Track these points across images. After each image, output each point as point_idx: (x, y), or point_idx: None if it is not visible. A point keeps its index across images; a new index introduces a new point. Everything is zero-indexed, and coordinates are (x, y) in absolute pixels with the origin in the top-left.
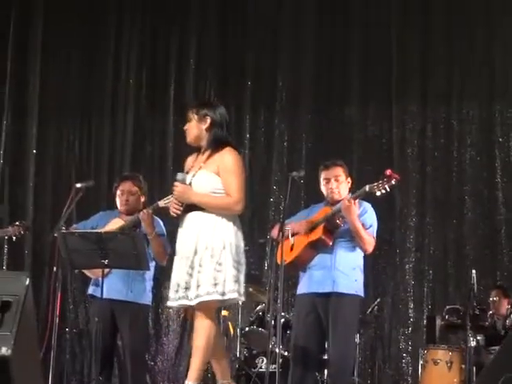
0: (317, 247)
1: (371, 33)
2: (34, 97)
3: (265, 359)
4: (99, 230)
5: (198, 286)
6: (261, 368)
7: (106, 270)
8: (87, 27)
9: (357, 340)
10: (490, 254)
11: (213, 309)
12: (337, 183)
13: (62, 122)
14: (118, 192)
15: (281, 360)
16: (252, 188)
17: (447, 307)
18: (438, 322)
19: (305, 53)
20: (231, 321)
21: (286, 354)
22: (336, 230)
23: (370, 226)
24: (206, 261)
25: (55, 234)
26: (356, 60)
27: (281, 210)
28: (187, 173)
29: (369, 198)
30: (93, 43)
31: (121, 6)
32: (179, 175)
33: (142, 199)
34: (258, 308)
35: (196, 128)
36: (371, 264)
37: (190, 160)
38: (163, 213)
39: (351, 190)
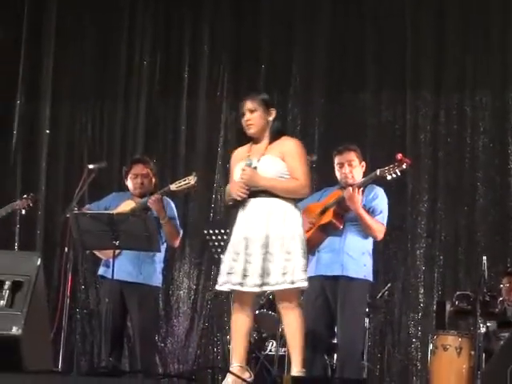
0: (327, 230)
1: (386, 19)
2: (48, 79)
3: (274, 342)
4: (111, 212)
5: (268, 275)
6: (270, 351)
7: (117, 252)
8: (101, 10)
9: (366, 325)
10: (501, 240)
11: (291, 297)
12: (350, 168)
13: (75, 104)
14: (131, 175)
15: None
16: None
17: (457, 293)
18: (448, 307)
19: (319, 38)
20: None
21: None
22: (346, 214)
23: (381, 212)
24: (277, 250)
25: (67, 215)
26: (371, 46)
27: None
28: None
29: (380, 182)
30: (107, 27)
31: None
32: (246, 162)
33: (154, 181)
34: (268, 291)
35: (262, 119)
36: (382, 249)
37: (241, 151)
38: (174, 196)
39: (365, 175)
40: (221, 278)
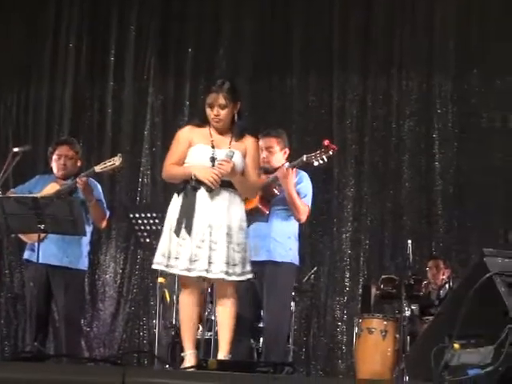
0: (253, 216)
1: (312, 1)
2: None
3: (201, 327)
4: (35, 195)
5: (235, 265)
6: (197, 335)
7: (42, 235)
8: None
9: (292, 308)
10: (426, 224)
11: (236, 286)
12: (267, 153)
13: (0, 87)
14: (55, 156)
15: (216, 327)
16: None
17: (383, 277)
18: (374, 291)
19: (246, 21)
20: (167, 288)
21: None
22: (272, 199)
23: (305, 196)
24: (242, 242)
25: None
26: (297, 30)
27: None
28: (212, 147)
29: (306, 167)
30: (33, 7)
31: None
32: (227, 153)
33: (79, 164)
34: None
35: (231, 114)
36: (308, 233)
37: (198, 132)
38: (99, 177)
39: (289, 160)
40: (182, 263)
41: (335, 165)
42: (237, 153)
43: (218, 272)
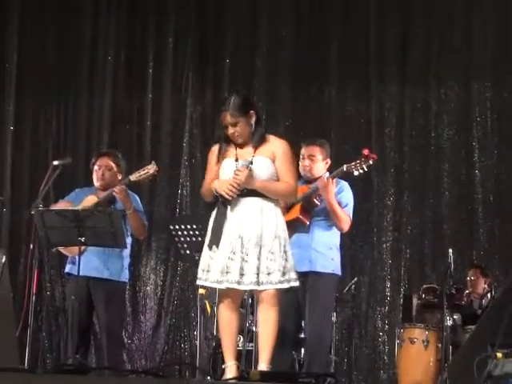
0: (294, 227)
1: (350, 12)
2: (12, 75)
3: (242, 338)
4: (76, 208)
5: (269, 274)
6: (238, 346)
7: (83, 248)
8: (64, 6)
9: (334, 319)
10: (466, 233)
11: (279, 295)
12: (310, 162)
13: (40, 100)
14: (95, 167)
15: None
16: None
17: (424, 286)
18: (415, 300)
19: (284, 32)
20: (208, 299)
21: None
22: (313, 209)
23: (346, 205)
24: (276, 249)
25: (32, 212)
26: (334, 40)
27: None
28: (236, 160)
29: (346, 177)
30: (71, 20)
31: None
32: (242, 162)
33: (119, 176)
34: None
35: (247, 127)
36: (348, 243)
37: (223, 147)
38: (135, 187)
39: (329, 170)
40: (214, 276)
41: (375, 174)
42: (260, 159)
43: (248, 283)
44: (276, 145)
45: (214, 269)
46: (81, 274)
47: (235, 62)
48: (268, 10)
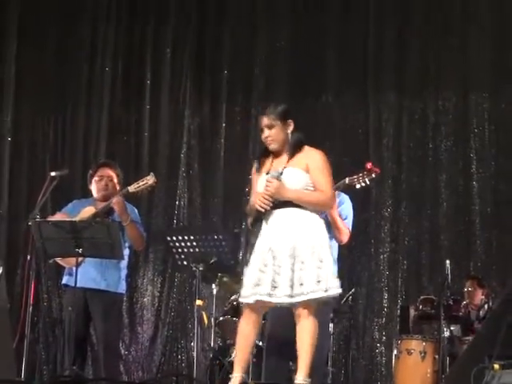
0: None
1: (347, 23)
2: (9, 86)
3: None
4: (73, 219)
5: (301, 284)
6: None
7: (80, 259)
8: (63, 19)
9: (331, 330)
10: (464, 244)
11: (315, 306)
12: None
13: (37, 111)
14: (96, 178)
15: (255, 350)
16: (227, 177)
17: (421, 297)
18: (412, 312)
19: (281, 42)
20: (205, 310)
21: (259, 343)
22: None
23: (346, 217)
24: (308, 258)
25: (29, 223)
26: (332, 50)
27: None
28: (267, 173)
29: (348, 189)
30: (68, 32)
31: None
32: (272, 173)
33: (118, 188)
34: (232, 298)
35: (282, 133)
36: (346, 254)
37: (262, 162)
38: (133, 198)
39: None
40: (246, 291)
41: (372, 185)
42: (292, 170)
43: (281, 296)
44: (310, 154)
45: (246, 284)
46: (78, 285)
47: (233, 72)
48: (265, 21)
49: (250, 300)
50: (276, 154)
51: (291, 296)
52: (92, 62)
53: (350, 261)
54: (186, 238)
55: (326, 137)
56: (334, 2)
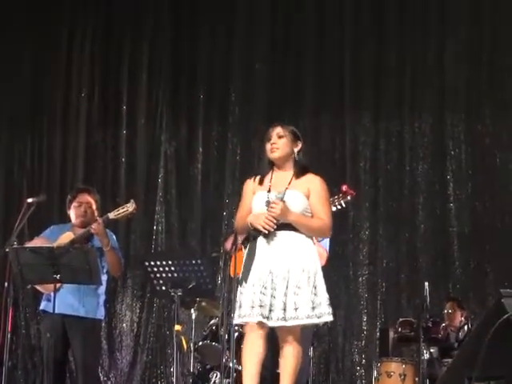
0: None
1: (324, 46)
2: None
3: (218, 374)
4: (51, 245)
5: (296, 309)
6: (214, 383)
7: (58, 285)
8: (38, 43)
9: (310, 353)
10: (442, 266)
11: (300, 330)
12: None
13: (13, 137)
14: (75, 204)
15: (234, 374)
16: (205, 201)
17: (400, 320)
18: (391, 334)
19: (257, 65)
20: (184, 335)
21: (239, 368)
22: None
23: (323, 239)
24: (304, 284)
25: (7, 250)
26: (309, 72)
27: (233, 223)
28: (268, 191)
29: None
30: (44, 55)
31: (72, 18)
32: (276, 195)
33: (96, 214)
34: (211, 322)
35: (288, 147)
36: (324, 277)
37: (258, 179)
38: (110, 223)
39: None
40: (244, 311)
41: (350, 208)
42: (293, 193)
43: (276, 319)
44: (312, 180)
45: (244, 304)
46: (56, 311)
47: (209, 97)
48: (242, 44)
49: (254, 320)
50: (275, 170)
51: (285, 319)
52: (68, 87)
53: (328, 283)
54: (164, 263)
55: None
56: (310, 27)
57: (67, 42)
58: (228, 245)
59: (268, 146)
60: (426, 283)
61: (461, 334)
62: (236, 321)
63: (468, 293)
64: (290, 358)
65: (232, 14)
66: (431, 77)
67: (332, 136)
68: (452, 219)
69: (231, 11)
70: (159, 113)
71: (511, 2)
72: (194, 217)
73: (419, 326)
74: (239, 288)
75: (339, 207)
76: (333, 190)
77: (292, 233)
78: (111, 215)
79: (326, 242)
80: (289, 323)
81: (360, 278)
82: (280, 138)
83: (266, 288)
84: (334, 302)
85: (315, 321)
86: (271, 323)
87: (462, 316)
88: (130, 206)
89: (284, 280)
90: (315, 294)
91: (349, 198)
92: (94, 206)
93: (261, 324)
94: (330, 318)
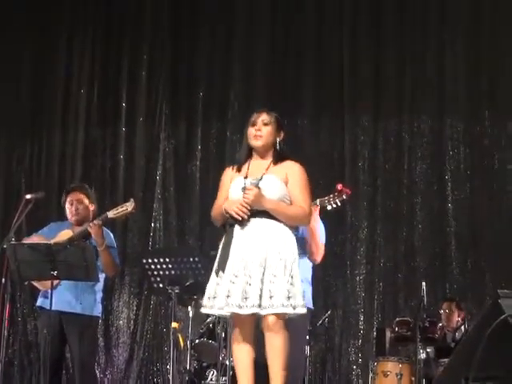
0: None
1: (323, 46)
2: None
3: (215, 371)
4: (48, 242)
5: (271, 297)
6: (211, 380)
7: (55, 282)
8: (38, 41)
9: (307, 352)
10: (439, 266)
11: (283, 320)
12: None
13: (12, 134)
14: (67, 204)
15: (231, 372)
16: (203, 199)
17: (397, 319)
18: (388, 334)
19: (257, 64)
20: (181, 333)
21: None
22: None
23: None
24: (280, 272)
25: (4, 246)
26: (308, 72)
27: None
28: (245, 177)
29: (320, 211)
30: (44, 54)
31: (73, 17)
32: (251, 180)
33: (92, 208)
34: (208, 320)
35: (272, 136)
36: (322, 276)
37: (236, 167)
38: (112, 222)
39: None
40: (219, 302)
41: (348, 207)
42: (270, 178)
43: (250, 306)
44: (291, 166)
45: (220, 294)
46: (53, 308)
47: (208, 95)
48: (242, 43)
49: (224, 312)
50: (254, 158)
51: (260, 307)
52: (67, 84)
53: (325, 283)
54: (161, 260)
55: (301, 160)
56: (310, 28)
57: (67, 42)
58: None
59: (251, 132)
60: (424, 283)
61: (457, 335)
62: (209, 311)
63: (465, 293)
64: (276, 350)
65: (232, 13)
66: (430, 77)
67: (331, 135)
68: (450, 219)
69: (231, 11)
70: (158, 110)
71: (511, 2)
72: (191, 214)
73: (416, 326)
74: (215, 278)
75: (334, 206)
76: (332, 190)
77: (269, 220)
78: (110, 214)
79: (323, 237)
80: (264, 311)
81: (357, 278)
82: (265, 125)
83: (236, 276)
84: (331, 302)
85: (290, 311)
86: (245, 311)
87: (458, 316)
88: (130, 206)
89: (260, 267)
90: (291, 284)
91: (344, 196)
92: (87, 201)
93: (243, 320)
94: (303, 311)
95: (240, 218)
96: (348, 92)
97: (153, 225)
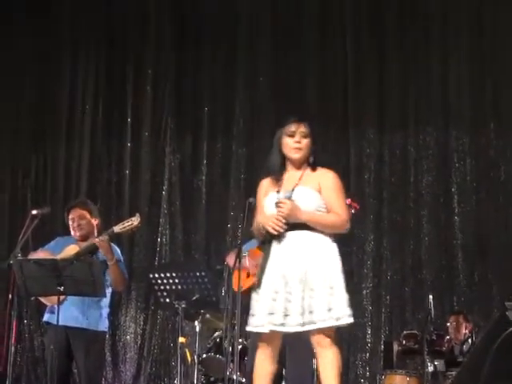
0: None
1: (328, 59)
2: None
3: None
4: (55, 257)
5: (311, 312)
6: None
7: (62, 297)
8: (43, 55)
9: (314, 366)
10: (446, 279)
11: (330, 334)
12: None
13: (18, 149)
14: (70, 221)
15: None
16: (209, 214)
17: (404, 332)
18: (396, 347)
19: (261, 78)
20: (188, 347)
21: (243, 380)
22: None
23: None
24: (319, 285)
25: (11, 261)
26: (312, 86)
27: (237, 235)
28: (278, 192)
29: None
30: (48, 69)
31: (77, 33)
32: (284, 194)
33: (95, 222)
34: (215, 335)
35: (309, 148)
36: None
37: (270, 180)
38: (118, 237)
39: None
40: (258, 320)
41: (354, 220)
42: (303, 189)
43: (293, 325)
44: (323, 175)
45: (259, 312)
46: (60, 323)
47: (214, 109)
48: (246, 56)
49: (265, 329)
50: (289, 168)
51: (302, 324)
52: (72, 100)
53: None
54: (168, 275)
55: None
56: (314, 41)
57: (71, 55)
58: (230, 260)
59: (290, 143)
60: (431, 296)
61: (465, 347)
62: (248, 328)
63: (472, 306)
64: (328, 365)
65: (235, 26)
66: (436, 89)
67: (336, 148)
68: (457, 232)
69: (234, 24)
70: (163, 125)
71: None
72: (198, 229)
73: (423, 339)
74: (254, 295)
75: None
76: None
77: (307, 232)
78: (116, 229)
79: None
80: (305, 328)
81: (364, 291)
82: (305, 137)
83: (277, 293)
84: None
85: (332, 323)
86: (287, 329)
87: (465, 329)
88: (135, 220)
89: (301, 283)
90: (331, 295)
91: (353, 211)
92: (89, 216)
93: (272, 336)
94: (350, 320)
95: (276, 233)
96: (352, 105)
97: (159, 239)
